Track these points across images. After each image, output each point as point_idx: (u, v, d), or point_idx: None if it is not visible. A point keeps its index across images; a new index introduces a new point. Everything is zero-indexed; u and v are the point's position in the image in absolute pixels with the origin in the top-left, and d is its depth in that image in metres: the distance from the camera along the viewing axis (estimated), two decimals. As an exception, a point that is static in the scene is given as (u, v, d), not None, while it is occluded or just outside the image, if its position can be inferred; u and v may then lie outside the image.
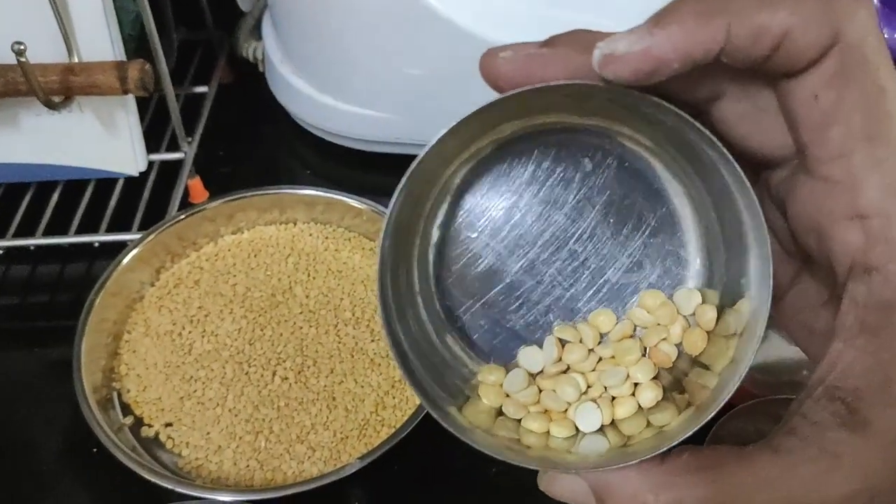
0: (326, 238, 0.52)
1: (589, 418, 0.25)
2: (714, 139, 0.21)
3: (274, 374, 0.45)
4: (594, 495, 0.22)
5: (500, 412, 0.26)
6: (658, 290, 0.27)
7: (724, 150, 0.21)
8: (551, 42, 0.22)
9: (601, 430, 0.25)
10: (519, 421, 0.26)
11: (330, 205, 0.52)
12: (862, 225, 0.20)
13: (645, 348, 0.26)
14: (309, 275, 0.50)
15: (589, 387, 0.26)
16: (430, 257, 0.27)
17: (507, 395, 0.26)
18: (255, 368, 0.45)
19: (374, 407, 0.44)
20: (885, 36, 0.64)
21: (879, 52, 0.20)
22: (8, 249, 0.54)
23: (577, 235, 0.27)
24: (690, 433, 0.22)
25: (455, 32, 0.50)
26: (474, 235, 0.27)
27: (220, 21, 0.66)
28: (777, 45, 0.19)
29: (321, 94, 0.57)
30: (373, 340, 0.47)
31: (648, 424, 0.25)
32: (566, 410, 0.25)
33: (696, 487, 0.21)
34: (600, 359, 0.26)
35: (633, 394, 0.25)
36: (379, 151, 0.59)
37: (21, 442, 0.46)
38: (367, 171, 0.60)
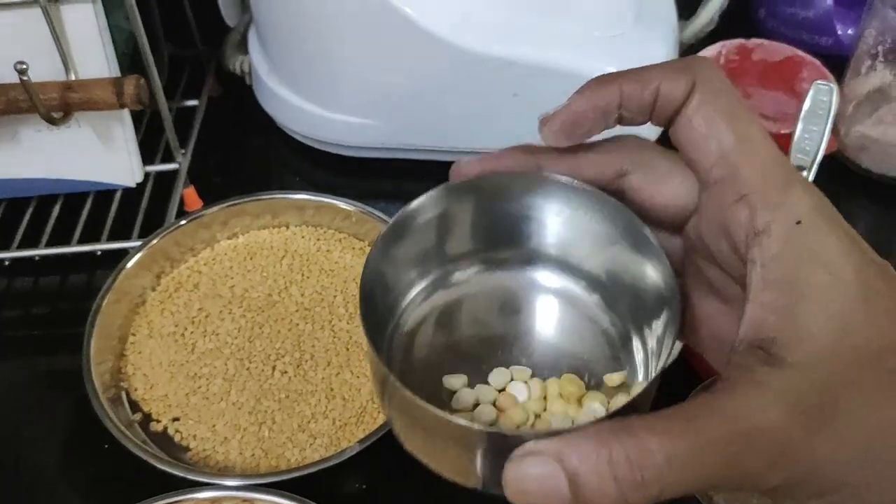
0: (318, 240, 0.55)
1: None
2: (625, 208, 0.28)
3: (274, 368, 0.48)
4: (560, 456, 0.22)
5: None
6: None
7: (635, 218, 0.28)
8: (503, 150, 0.30)
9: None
10: None
11: (320, 208, 0.55)
12: (746, 201, 0.25)
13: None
14: (303, 275, 0.53)
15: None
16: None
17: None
18: (256, 364, 0.48)
19: (370, 396, 0.47)
20: (839, 32, 0.67)
21: (725, 83, 0.27)
22: (12, 261, 0.56)
23: (525, 345, 0.30)
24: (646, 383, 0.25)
25: (433, 42, 0.53)
26: (428, 344, 0.30)
27: (208, 37, 0.69)
28: (656, 92, 0.27)
29: (307, 103, 0.60)
30: (366, 334, 0.49)
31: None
32: None
33: (656, 431, 0.22)
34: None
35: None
36: (364, 157, 0.62)
37: (32, 444, 0.48)
38: (353, 176, 0.62)
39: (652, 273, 0.28)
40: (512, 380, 0.29)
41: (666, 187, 0.28)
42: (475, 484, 0.25)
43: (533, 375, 0.29)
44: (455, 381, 0.29)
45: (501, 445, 0.23)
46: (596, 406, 0.28)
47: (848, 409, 0.23)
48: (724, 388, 0.23)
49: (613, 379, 0.29)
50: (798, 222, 0.24)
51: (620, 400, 0.28)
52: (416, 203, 0.29)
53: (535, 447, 0.22)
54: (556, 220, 0.30)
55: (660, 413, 0.23)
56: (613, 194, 0.29)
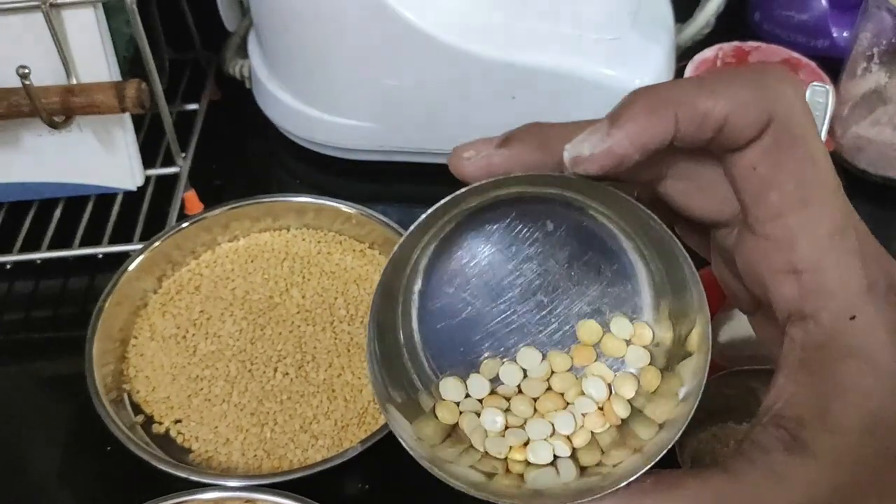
0: (319, 242, 0.55)
1: (542, 452, 0.28)
2: (654, 217, 0.25)
3: (275, 370, 0.48)
4: None
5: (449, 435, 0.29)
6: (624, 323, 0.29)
7: (663, 227, 0.25)
8: (506, 142, 0.25)
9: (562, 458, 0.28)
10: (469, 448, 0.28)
11: (320, 211, 0.55)
12: (797, 278, 0.23)
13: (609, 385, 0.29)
14: (304, 277, 0.53)
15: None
16: (414, 312, 0.30)
17: (462, 413, 0.29)
18: (258, 366, 0.48)
19: (371, 396, 0.47)
20: (835, 35, 0.68)
21: (807, 125, 0.23)
22: (13, 265, 0.56)
23: (542, 287, 0.30)
24: (649, 466, 0.25)
25: (432, 45, 0.54)
26: (451, 290, 0.30)
27: (207, 41, 0.69)
28: (719, 128, 0.23)
29: (307, 106, 0.60)
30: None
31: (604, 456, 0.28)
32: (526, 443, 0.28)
33: None
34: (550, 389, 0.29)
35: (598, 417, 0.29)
36: (364, 159, 0.62)
37: (34, 447, 0.48)
38: (353, 179, 0.63)
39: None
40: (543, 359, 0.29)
41: (705, 202, 0.26)
42: None
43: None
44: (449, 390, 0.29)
45: None
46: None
47: None
48: (738, 472, 0.23)
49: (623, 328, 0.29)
50: (852, 318, 0.23)
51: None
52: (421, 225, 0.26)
53: None
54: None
55: (666, 481, 0.24)
56: (642, 194, 0.26)
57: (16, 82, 0.49)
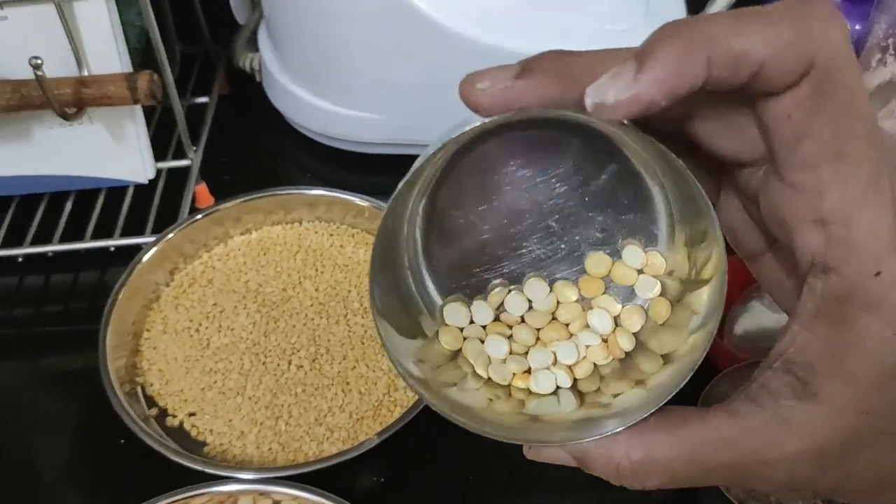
0: (331, 235, 0.55)
1: (544, 382, 0.28)
2: (673, 157, 0.23)
3: (289, 362, 0.48)
4: (575, 460, 0.26)
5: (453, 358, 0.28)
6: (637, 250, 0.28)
7: (685, 169, 0.23)
8: (525, 72, 0.23)
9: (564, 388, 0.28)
10: (472, 373, 0.28)
11: (332, 204, 0.55)
12: (824, 229, 0.22)
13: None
14: (317, 270, 0.53)
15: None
16: (418, 233, 0.29)
17: (465, 338, 0.28)
18: (272, 358, 0.48)
19: (386, 389, 0.47)
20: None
21: (850, 72, 0.21)
22: (25, 258, 0.56)
23: (554, 211, 0.28)
24: (657, 406, 0.25)
25: (444, 36, 0.53)
26: (458, 213, 0.28)
27: (217, 34, 0.69)
28: (755, 73, 0.21)
29: (318, 99, 0.60)
30: (381, 328, 0.49)
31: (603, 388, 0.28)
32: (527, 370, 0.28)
33: (663, 445, 0.24)
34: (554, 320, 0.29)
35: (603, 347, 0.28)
36: (375, 152, 0.62)
37: (46, 441, 0.48)
38: (364, 172, 0.62)
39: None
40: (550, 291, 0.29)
41: (731, 142, 0.24)
42: None
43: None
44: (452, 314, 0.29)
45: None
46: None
47: (870, 458, 0.23)
48: (744, 414, 0.23)
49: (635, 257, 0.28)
50: (877, 273, 0.22)
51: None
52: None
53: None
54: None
55: (670, 420, 0.24)
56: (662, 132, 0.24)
57: (27, 74, 0.49)
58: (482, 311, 0.29)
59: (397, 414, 0.45)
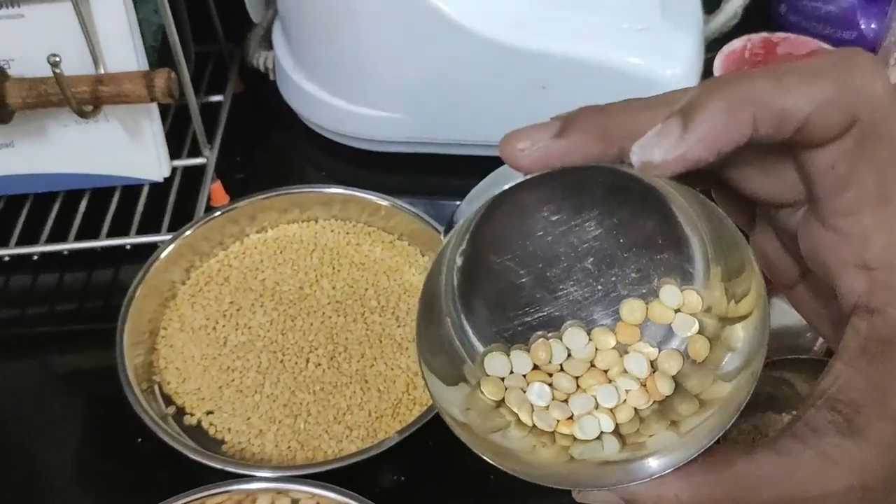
0: (348, 233, 0.55)
1: (589, 427, 0.28)
2: (711, 204, 0.24)
3: (307, 360, 0.48)
4: (624, 502, 0.25)
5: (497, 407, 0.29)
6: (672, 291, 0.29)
7: (725, 217, 0.24)
8: (566, 131, 0.23)
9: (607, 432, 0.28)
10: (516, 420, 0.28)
11: (348, 202, 0.55)
12: (868, 274, 0.23)
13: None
14: (334, 268, 0.52)
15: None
16: (455, 280, 0.29)
17: (507, 388, 0.29)
18: (290, 356, 0.48)
19: (405, 387, 0.46)
20: (863, 27, 0.67)
21: (894, 124, 0.22)
22: (40, 256, 0.55)
23: (590, 253, 0.29)
24: (703, 448, 0.25)
25: (460, 34, 0.53)
26: (494, 258, 0.29)
27: (230, 33, 0.69)
28: (798, 129, 0.21)
29: (333, 97, 0.60)
30: (399, 326, 0.49)
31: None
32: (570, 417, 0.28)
33: (711, 486, 0.24)
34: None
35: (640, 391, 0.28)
36: (391, 151, 0.61)
37: (63, 440, 0.48)
38: (378, 170, 0.62)
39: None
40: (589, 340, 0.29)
41: (770, 186, 0.24)
42: None
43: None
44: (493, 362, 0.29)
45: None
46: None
47: None
48: (788, 452, 0.23)
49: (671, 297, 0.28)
50: None
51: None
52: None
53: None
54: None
55: (716, 460, 0.24)
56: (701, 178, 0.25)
57: (44, 72, 0.49)
58: (521, 360, 0.29)
59: (417, 412, 0.45)
